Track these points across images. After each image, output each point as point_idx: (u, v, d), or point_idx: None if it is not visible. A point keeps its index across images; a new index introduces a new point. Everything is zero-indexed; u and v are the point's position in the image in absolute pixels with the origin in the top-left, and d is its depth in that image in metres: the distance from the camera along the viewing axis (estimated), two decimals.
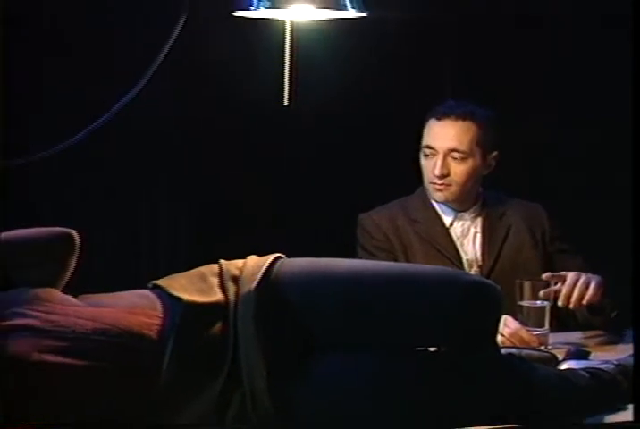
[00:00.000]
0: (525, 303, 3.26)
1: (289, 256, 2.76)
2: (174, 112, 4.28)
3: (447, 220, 3.87)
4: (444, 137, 3.73)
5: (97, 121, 3.00)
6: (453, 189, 3.76)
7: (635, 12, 2.62)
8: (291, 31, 2.89)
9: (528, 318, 3.28)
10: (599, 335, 3.49)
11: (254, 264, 2.68)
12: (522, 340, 3.21)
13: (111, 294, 2.71)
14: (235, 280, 2.65)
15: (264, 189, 4.45)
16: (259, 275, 2.64)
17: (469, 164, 3.73)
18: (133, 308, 2.62)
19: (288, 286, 2.64)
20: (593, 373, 2.77)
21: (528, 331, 3.25)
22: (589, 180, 4.83)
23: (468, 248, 3.85)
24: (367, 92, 4.40)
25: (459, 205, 3.85)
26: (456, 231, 3.87)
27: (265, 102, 3.23)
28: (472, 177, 3.76)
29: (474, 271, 3.80)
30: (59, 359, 2.50)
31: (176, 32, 2.94)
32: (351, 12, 2.81)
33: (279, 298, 2.62)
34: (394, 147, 4.40)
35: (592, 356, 3.09)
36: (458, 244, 3.85)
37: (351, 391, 2.53)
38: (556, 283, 3.35)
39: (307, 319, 2.61)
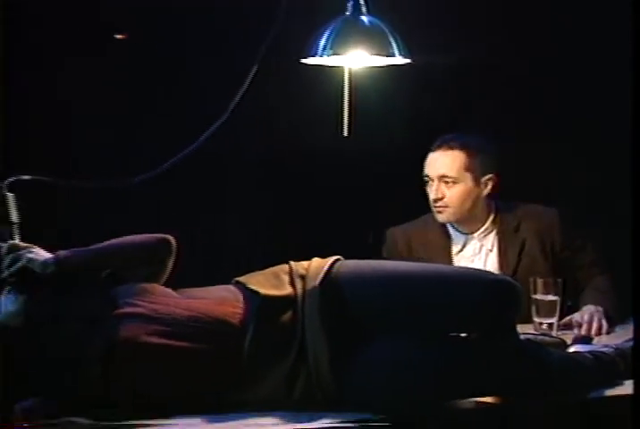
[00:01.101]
0: (538, 296, 3.23)
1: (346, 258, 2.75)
2: (252, 139, 4.26)
3: (456, 246, 3.67)
4: (435, 165, 3.58)
5: (188, 149, 3.00)
6: (450, 210, 3.57)
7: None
8: (349, 75, 2.88)
9: (540, 310, 3.24)
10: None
11: (317, 265, 2.67)
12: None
13: (202, 288, 2.71)
14: (302, 277, 2.64)
15: (323, 208, 4.42)
16: (322, 274, 2.63)
17: (460, 187, 3.54)
18: (221, 300, 2.62)
19: (345, 282, 2.62)
20: (596, 355, 2.74)
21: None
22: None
23: (479, 267, 3.62)
24: (410, 127, 4.34)
25: (466, 226, 3.65)
26: (465, 254, 3.67)
27: (328, 134, 3.20)
28: (466, 199, 3.57)
29: None
30: (161, 341, 2.51)
31: (255, 70, 2.93)
32: (399, 59, 2.80)
33: (338, 292, 2.60)
34: None
35: (594, 341, 3.07)
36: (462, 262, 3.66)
37: (397, 370, 2.51)
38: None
39: (361, 310, 2.59)
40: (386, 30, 2.78)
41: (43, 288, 2.63)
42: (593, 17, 4.25)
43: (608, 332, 3.27)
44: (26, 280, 2.64)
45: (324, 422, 2.44)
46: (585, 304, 3.41)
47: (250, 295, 2.61)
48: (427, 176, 3.58)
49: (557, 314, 3.23)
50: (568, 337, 3.08)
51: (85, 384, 2.46)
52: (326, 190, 4.39)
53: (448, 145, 3.55)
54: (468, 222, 3.64)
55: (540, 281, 3.23)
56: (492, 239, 3.64)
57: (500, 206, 3.68)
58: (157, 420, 2.41)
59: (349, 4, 2.77)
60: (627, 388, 2.57)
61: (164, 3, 4.40)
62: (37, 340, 2.55)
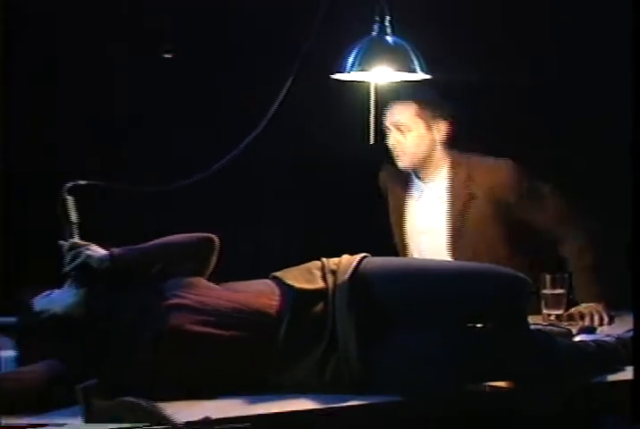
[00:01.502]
0: (546, 291, 3.23)
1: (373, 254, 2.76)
2: (286, 146, 4.26)
3: (416, 193, 3.57)
4: (390, 115, 3.45)
5: (228, 157, 3.03)
6: (406, 157, 3.47)
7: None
8: (375, 89, 2.91)
9: (548, 302, 3.25)
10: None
11: (347, 261, 2.68)
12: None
13: (242, 282, 2.72)
14: (333, 272, 2.65)
15: (350, 210, 4.40)
16: (351, 269, 2.64)
17: (413, 134, 3.42)
18: (259, 293, 2.63)
19: (372, 277, 2.63)
20: (599, 344, 2.74)
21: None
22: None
23: (429, 217, 3.54)
24: None
25: (422, 174, 3.52)
26: (422, 201, 3.56)
27: (355, 141, 3.21)
28: (419, 145, 3.45)
29: (430, 237, 3.53)
30: (205, 329, 2.54)
31: (289, 84, 2.94)
32: (419, 75, 2.82)
33: (366, 286, 2.61)
34: None
35: (598, 331, 3.08)
36: (421, 214, 3.57)
37: (418, 356, 2.52)
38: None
39: (386, 302, 2.60)
40: (408, 49, 2.79)
41: (100, 281, 2.66)
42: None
43: (609, 324, 3.26)
44: (85, 274, 2.67)
45: (352, 403, 2.46)
46: (582, 291, 3.35)
47: (286, 288, 2.63)
48: (385, 126, 3.47)
49: (563, 306, 3.24)
50: (573, 327, 3.08)
51: (137, 367, 2.48)
52: (353, 195, 4.38)
53: (400, 95, 3.41)
54: (424, 169, 3.52)
55: (548, 277, 3.23)
56: (444, 188, 3.52)
57: (455, 156, 3.52)
58: (202, 400, 2.43)
59: (376, 26, 2.79)
60: (627, 373, 2.57)
61: (203, 21, 4.42)
62: (95, 327, 2.58)
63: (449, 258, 3.45)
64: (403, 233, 3.59)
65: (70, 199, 2.83)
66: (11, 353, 2.69)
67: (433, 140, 3.47)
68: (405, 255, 3.59)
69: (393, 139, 3.46)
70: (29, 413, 2.37)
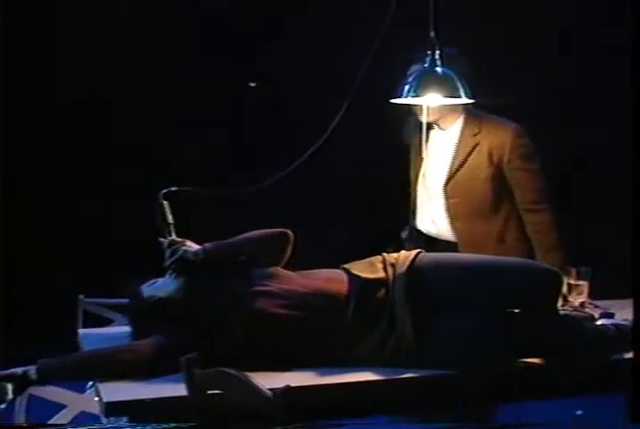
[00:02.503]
0: (572, 281, 3.17)
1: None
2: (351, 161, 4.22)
3: (433, 135, 3.37)
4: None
5: (294, 164, 2.99)
6: (431, 115, 3.21)
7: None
8: (427, 111, 2.88)
9: (574, 291, 3.19)
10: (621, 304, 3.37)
11: (404, 256, 2.66)
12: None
13: (315, 271, 2.71)
14: (393, 265, 2.63)
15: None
16: (408, 262, 2.62)
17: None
18: (330, 280, 2.62)
19: (426, 269, 2.61)
20: (618, 326, 2.70)
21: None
22: None
23: (441, 160, 3.36)
24: None
25: (441, 124, 3.34)
26: (436, 144, 3.37)
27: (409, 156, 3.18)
28: (442, 106, 3.18)
29: (437, 178, 3.36)
30: (285, 312, 2.54)
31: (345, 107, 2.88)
32: (464, 99, 2.79)
33: (420, 276, 2.59)
34: None
35: (616, 316, 3.02)
36: (434, 154, 3.37)
37: (465, 336, 2.50)
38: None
39: (438, 290, 2.57)
40: (455, 78, 2.75)
41: (196, 271, 2.66)
42: None
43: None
44: (183, 266, 2.67)
45: (407, 375, 2.45)
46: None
47: (353, 277, 2.61)
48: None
49: (586, 294, 3.19)
50: (595, 313, 3.03)
51: (229, 344, 2.48)
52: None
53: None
54: (443, 121, 3.33)
55: (573, 270, 3.18)
56: (456, 137, 3.34)
57: (471, 111, 3.34)
58: (281, 372, 2.43)
59: (427, 59, 2.77)
60: None
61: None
62: (193, 310, 2.58)
63: (444, 194, 3.35)
64: (418, 169, 3.42)
65: (165, 204, 2.85)
66: (126, 329, 2.71)
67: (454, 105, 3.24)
68: (416, 188, 3.43)
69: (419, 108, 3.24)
70: (140, 379, 2.39)
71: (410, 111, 3.28)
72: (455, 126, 3.34)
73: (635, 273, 2.31)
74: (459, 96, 2.76)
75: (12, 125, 4.83)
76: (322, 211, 4.37)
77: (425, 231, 3.45)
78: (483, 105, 3.26)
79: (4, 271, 5.38)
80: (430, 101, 2.84)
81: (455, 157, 3.33)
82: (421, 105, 3.19)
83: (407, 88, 2.76)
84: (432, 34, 2.71)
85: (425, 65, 2.76)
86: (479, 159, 3.31)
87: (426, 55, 2.74)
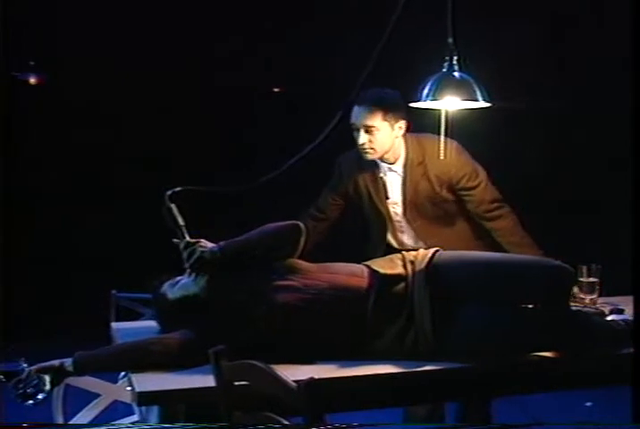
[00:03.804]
0: (583, 279, 3.18)
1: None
2: None
3: (382, 173, 3.36)
4: (359, 117, 3.21)
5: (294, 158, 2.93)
6: (374, 151, 3.26)
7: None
8: (445, 115, 2.89)
9: (584, 289, 3.19)
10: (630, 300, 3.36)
11: (423, 254, 2.68)
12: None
13: (335, 264, 2.71)
14: (412, 262, 2.65)
15: None
16: (427, 259, 2.64)
17: (380, 134, 3.22)
18: (351, 274, 2.63)
19: (444, 266, 2.62)
20: (627, 322, 2.71)
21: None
22: None
23: (394, 191, 3.37)
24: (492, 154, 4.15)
25: (386, 160, 3.33)
26: (386, 179, 3.37)
27: None
28: (385, 142, 3.24)
29: (396, 207, 3.38)
30: (307, 305, 2.55)
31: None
32: (482, 103, 2.80)
33: (438, 273, 2.60)
34: None
35: (626, 312, 3.02)
36: (387, 189, 3.37)
37: (481, 330, 2.51)
38: None
39: (455, 286, 2.59)
40: (472, 82, 2.76)
41: (214, 269, 2.66)
42: None
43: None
44: (202, 265, 2.67)
45: (426, 368, 2.46)
46: None
47: (373, 273, 2.63)
48: (354, 124, 3.24)
49: (597, 291, 3.19)
50: (606, 309, 3.03)
51: (252, 337, 2.50)
52: None
53: (370, 101, 3.20)
54: (388, 157, 3.33)
55: (584, 268, 3.18)
56: (403, 169, 3.35)
57: (411, 141, 3.34)
58: (304, 364, 2.44)
59: (446, 64, 2.77)
60: None
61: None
62: (215, 305, 2.60)
63: (410, 224, 3.38)
64: (382, 203, 3.41)
65: (173, 207, 2.78)
66: (154, 323, 2.75)
67: (396, 136, 3.30)
68: (383, 219, 3.43)
69: (363, 138, 3.24)
70: (170, 370, 2.42)
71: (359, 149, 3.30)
72: (402, 160, 3.35)
73: (635, 271, 2.30)
74: (477, 100, 2.76)
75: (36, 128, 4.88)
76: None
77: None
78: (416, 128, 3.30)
79: (41, 267, 5.45)
80: (448, 105, 2.84)
81: (407, 191, 3.34)
82: (366, 143, 3.23)
83: (425, 92, 2.76)
84: (449, 40, 2.72)
85: (444, 70, 2.77)
86: (428, 187, 3.32)
87: (444, 60, 2.75)
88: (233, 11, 5.17)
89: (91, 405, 3.26)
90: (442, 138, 3.03)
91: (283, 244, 2.70)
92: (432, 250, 2.69)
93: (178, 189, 2.78)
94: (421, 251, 2.71)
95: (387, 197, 3.40)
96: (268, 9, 5.09)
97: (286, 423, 2.03)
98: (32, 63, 4.80)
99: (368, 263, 2.69)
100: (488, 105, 2.80)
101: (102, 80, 5.28)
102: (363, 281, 2.59)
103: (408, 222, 3.40)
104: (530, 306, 2.61)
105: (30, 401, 2.40)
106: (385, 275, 2.60)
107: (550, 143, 3.52)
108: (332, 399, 2.23)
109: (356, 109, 3.23)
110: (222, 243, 2.70)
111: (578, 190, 4.70)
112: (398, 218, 3.43)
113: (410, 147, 3.35)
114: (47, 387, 2.42)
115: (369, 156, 3.31)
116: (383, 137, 3.27)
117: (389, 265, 2.65)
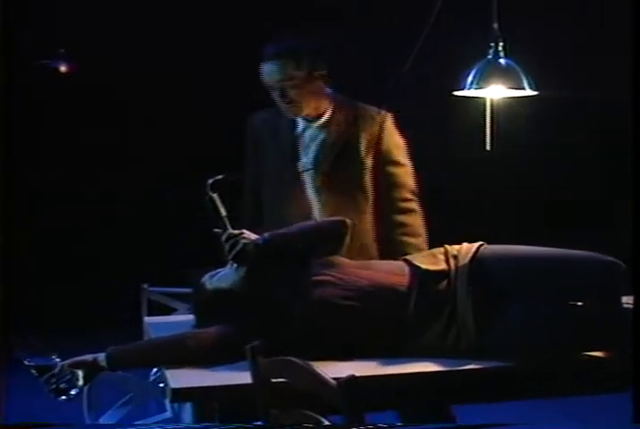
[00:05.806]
0: None
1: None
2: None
3: (299, 128, 3.03)
4: (271, 74, 2.90)
5: None
6: (297, 107, 2.93)
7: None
8: (490, 104, 2.84)
9: None
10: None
11: (467, 248, 2.63)
12: None
13: (378, 261, 2.72)
14: (455, 257, 2.60)
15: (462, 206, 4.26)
16: (471, 254, 2.59)
17: (298, 87, 2.88)
18: (391, 272, 2.60)
19: (488, 261, 2.57)
20: None
21: None
22: None
23: (309, 152, 3.02)
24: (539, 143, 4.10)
25: (310, 117, 2.99)
26: (304, 139, 3.02)
27: (473, 147, 3.09)
28: (306, 95, 2.91)
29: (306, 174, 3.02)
30: (347, 303, 2.53)
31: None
32: (528, 92, 2.75)
33: (483, 268, 2.56)
34: None
35: None
36: (299, 150, 3.02)
37: (526, 328, 2.46)
38: None
39: (500, 281, 2.54)
40: (518, 69, 2.72)
41: (256, 261, 2.64)
42: None
43: None
44: (243, 257, 2.64)
45: (469, 366, 2.43)
46: None
47: (414, 269, 2.59)
48: (268, 84, 2.93)
49: None
50: None
51: (290, 332, 2.47)
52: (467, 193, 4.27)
53: (276, 54, 2.91)
54: (310, 112, 2.98)
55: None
56: (327, 129, 3.00)
57: (339, 100, 3.03)
58: (344, 362, 2.41)
59: (491, 51, 2.73)
60: None
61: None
62: (255, 299, 2.58)
63: (322, 191, 3.03)
64: (294, 168, 3.06)
65: (215, 196, 2.68)
66: (189, 317, 2.72)
67: (318, 88, 2.97)
68: (295, 189, 3.06)
69: (281, 96, 2.92)
70: (205, 366, 2.40)
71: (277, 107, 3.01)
72: (324, 117, 3.02)
73: (635, 271, 2.25)
74: (523, 88, 2.72)
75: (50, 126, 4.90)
76: None
77: None
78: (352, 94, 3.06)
79: (76, 262, 5.48)
80: (493, 93, 2.79)
81: (327, 151, 3.02)
82: (284, 99, 2.94)
83: (469, 80, 2.72)
84: (495, 25, 2.68)
85: (489, 57, 2.73)
86: (350, 153, 3.01)
87: (489, 47, 2.71)
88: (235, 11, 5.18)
89: (121, 402, 3.26)
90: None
91: (327, 240, 2.68)
92: (476, 244, 2.64)
93: (219, 176, 2.70)
94: (465, 245, 2.66)
95: (297, 160, 3.05)
96: (268, 9, 5.09)
97: (325, 422, 2.01)
98: (62, 50, 4.79)
99: (409, 257, 2.66)
100: (535, 93, 2.75)
101: (120, 78, 5.30)
102: (404, 279, 2.57)
103: (317, 192, 3.03)
104: (580, 303, 2.55)
105: (63, 397, 2.39)
106: (428, 271, 2.57)
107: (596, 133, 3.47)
108: (372, 397, 2.20)
109: (264, 67, 2.93)
110: (266, 235, 2.66)
111: (579, 190, 4.65)
112: (304, 187, 3.05)
113: (340, 104, 3.03)
114: (81, 382, 2.41)
115: (291, 115, 2.99)
116: (304, 91, 2.93)
117: (431, 261, 2.61)
